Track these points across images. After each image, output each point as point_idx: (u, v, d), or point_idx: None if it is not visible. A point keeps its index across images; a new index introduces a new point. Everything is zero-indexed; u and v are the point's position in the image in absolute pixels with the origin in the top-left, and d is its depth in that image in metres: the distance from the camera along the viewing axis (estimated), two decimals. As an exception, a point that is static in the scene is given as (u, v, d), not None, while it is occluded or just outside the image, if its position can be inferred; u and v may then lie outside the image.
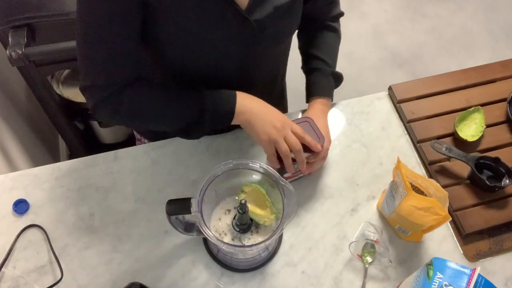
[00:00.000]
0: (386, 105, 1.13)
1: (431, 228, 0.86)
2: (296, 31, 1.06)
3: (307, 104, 1.02)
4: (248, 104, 0.85)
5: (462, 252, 0.93)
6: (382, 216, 0.96)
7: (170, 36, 0.80)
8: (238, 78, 0.91)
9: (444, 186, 0.96)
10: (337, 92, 1.04)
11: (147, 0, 0.72)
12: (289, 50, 1.02)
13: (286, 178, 0.94)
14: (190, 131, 0.88)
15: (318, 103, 0.99)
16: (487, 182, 0.96)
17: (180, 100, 0.85)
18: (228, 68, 0.89)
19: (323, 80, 1.01)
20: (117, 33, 0.74)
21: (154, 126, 0.92)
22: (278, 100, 1.18)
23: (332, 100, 1.03)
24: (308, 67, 1.03)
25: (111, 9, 0.71)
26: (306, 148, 0.87)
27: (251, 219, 0.84)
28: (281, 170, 0.90)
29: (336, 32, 1.05)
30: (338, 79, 1.03)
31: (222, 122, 0.85)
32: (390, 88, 1.14)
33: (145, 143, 1.14)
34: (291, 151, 0.85)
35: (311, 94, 1.01)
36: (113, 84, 0.80)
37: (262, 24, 0.81)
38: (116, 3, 0.70)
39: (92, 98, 0.80)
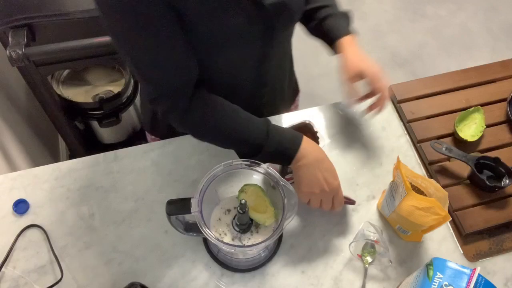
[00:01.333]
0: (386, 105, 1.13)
1: (431, 228, 0.86)
2: None
3: (334, 53, 0.99)
4: (309, 150, 0.83)
5: (462, 252, 0.93)
6: (382, 216, 0.96)
7: (193, 34, 0.77)
8: (258, 71, 0.91)
9: (444, 186, 0.96)
10: (337, 92, 1.04)
11: (173, 4, 0.70)
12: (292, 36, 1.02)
13: (287, 179, 0.94)
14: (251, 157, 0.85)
15: (348, 41, 0.95)
16: (487, 182, 0.96)
17: (244, 131, 0.83)
18: (248, 60, 0.88)
19: (339, 21, 0.97)
20: (160, 41, 0.72)
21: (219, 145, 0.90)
22: (292, 97, 1.19)
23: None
24: (316, 21, 0.99)
25: (141, 19, 0.69)
26: None
27: (251, 219, 0.84)
28: (283, 171, 0.90)
29: None
30: (350, 18, 1.01)
31: (281, 161, 0.86)
32: (390, 88, 1.14)
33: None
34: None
35: (334, 38, 0.97)
36: (173, 94, 0.79)
37: (276, 6, 0.81)
38: (145, 13, 0.69)
39: (159, 109, 0.82)
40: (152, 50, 0.73)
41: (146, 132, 1.19)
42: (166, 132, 1.10)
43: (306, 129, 0.93)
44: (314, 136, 0.92)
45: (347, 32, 0.97)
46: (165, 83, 0.78)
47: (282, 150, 0.83)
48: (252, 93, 0.97)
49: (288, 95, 1.14)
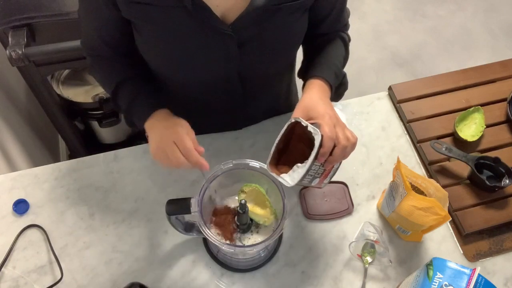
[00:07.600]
0: (386, 105, 1.13)
1: (431, 228, 0.86)
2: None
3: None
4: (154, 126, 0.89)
5: (462, 252, 0.93)
6: (382, 216, 0.96)
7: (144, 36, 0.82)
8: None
9: (444, 186, 0.96)
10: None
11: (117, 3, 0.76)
12: (289, 73, 1.00)
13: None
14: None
15: (313, 83, 0.82)
16: (487, 182, 0.96)
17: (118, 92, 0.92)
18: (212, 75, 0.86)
19: (324, 68, 0.86)
20: (93, 17, 0.83)
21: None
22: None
23: (332, 89, 0.85)
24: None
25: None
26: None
27: (251, 219, 0.84)
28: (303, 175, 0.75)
29: (341, 40, 0.94)
30: (342, 82, 0.96)
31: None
32: (390, 88, 1.15)
33: None
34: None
35: (307, 76, 0.85)
36: (91, 54, 0.92)
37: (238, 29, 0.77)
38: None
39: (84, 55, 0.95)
40: (86, 16, 0.85)
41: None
42: None
43: (297, 130, 0.76)
44: (307, 133, 0.73)
45: (323, 75, 0.84)
46: (85, 43, 0.91)
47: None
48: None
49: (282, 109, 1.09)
